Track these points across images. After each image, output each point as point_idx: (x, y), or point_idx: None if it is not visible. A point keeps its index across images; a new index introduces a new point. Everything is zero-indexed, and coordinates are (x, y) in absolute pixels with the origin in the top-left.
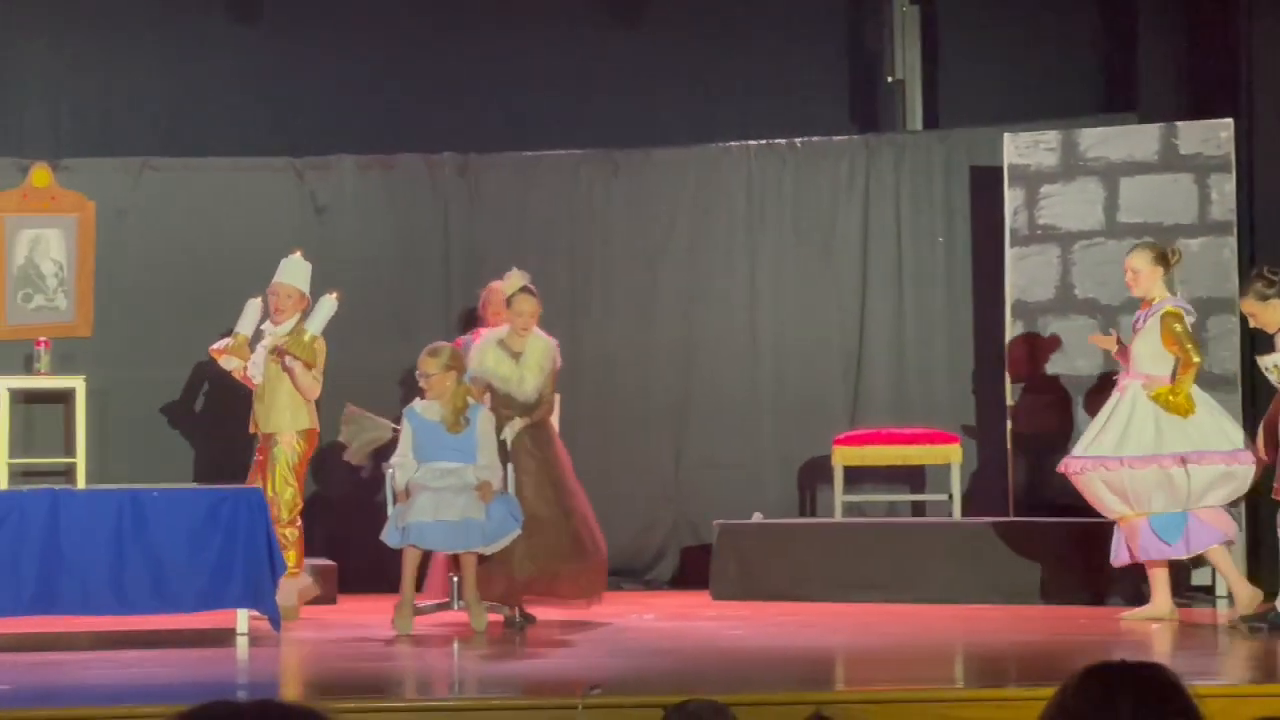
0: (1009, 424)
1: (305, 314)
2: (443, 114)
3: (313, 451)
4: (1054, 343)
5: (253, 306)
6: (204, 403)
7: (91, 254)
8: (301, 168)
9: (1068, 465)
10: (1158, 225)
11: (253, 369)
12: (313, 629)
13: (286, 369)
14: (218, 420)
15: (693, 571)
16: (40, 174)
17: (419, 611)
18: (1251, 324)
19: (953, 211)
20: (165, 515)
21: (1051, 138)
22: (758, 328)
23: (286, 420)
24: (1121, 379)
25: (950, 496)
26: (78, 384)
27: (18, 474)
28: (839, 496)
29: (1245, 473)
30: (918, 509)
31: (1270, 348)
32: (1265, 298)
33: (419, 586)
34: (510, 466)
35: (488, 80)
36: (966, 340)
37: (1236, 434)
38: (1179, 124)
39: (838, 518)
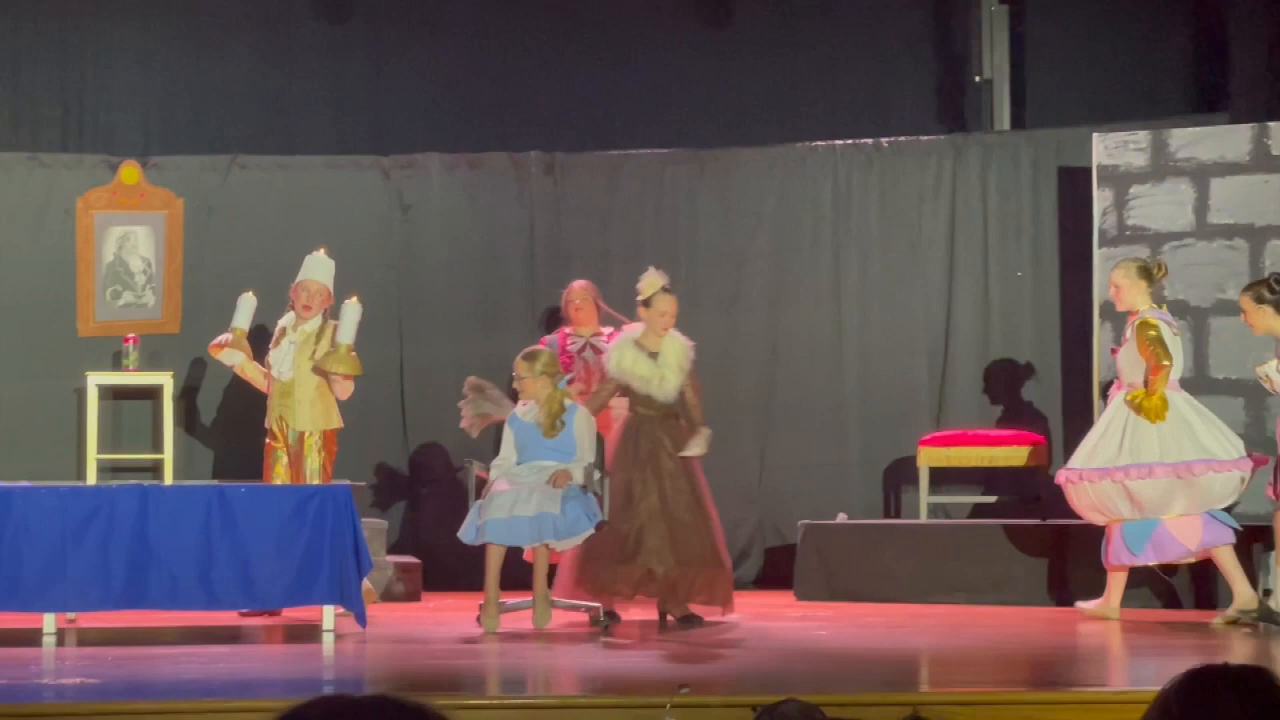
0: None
1: (329, 312)
2: (529, 112)
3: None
4: None
5: (247, 301)
6: None
7: (180, 251)
8: (388, 166)
9: (1068, 476)
10: (1248, 226)
11: (278, 364)
12: (398, 626)
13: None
14: None
15: (777, 572)
16: (129, 171)
17: (506, 609)
18: (1241, 319)
19: (1040, 212)
20: (253, 511)
21: (1141, 138)
22: (843, 328)
23: (320, 418)
24: (1113, 390)
25: (1037, 498)
26: (165, 380)
27: (106, 470)
28: (924, 498)
29: (1245, 479)
30: (1002, 510)
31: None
32: (1262, 301)
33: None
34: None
35: (575, 79)
36: (1054, 341)
37: (1211, 442)
38: (1270, 124)
39: (923, 519)
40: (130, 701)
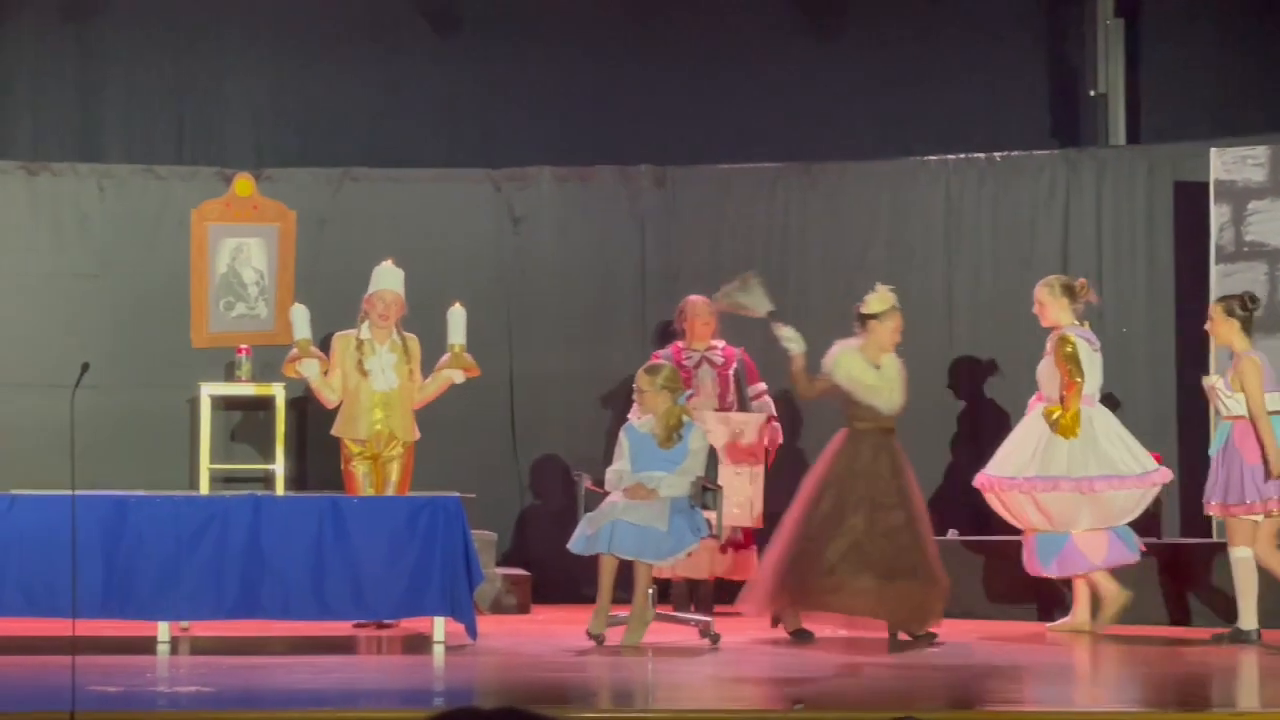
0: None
1: (400, 323)
2: (640, 126)
3: None
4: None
5: (301, 311)
6: None
7: (292, 263)
8: (499, 179)
9: (982, 482)
10: None
11: (378, 375)
12: (507, 638)
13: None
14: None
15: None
16: (243, 184)
17: (615, 622)
18: (1206, 325)
19: (1155, 228)
20: (365, 523)
21: (1260, 153)
22: (954, 343)
23: (411, 429)
24: (1033, 400)
25: (1153, 516)
26: (277, 391)
27: (219, 480)
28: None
29: (1153, 494)
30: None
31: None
32: (1232, 314)
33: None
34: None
35: (685, 92)
36: (1169, 358)
37: (1119, 459)
38: None
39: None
40: (244, 710)
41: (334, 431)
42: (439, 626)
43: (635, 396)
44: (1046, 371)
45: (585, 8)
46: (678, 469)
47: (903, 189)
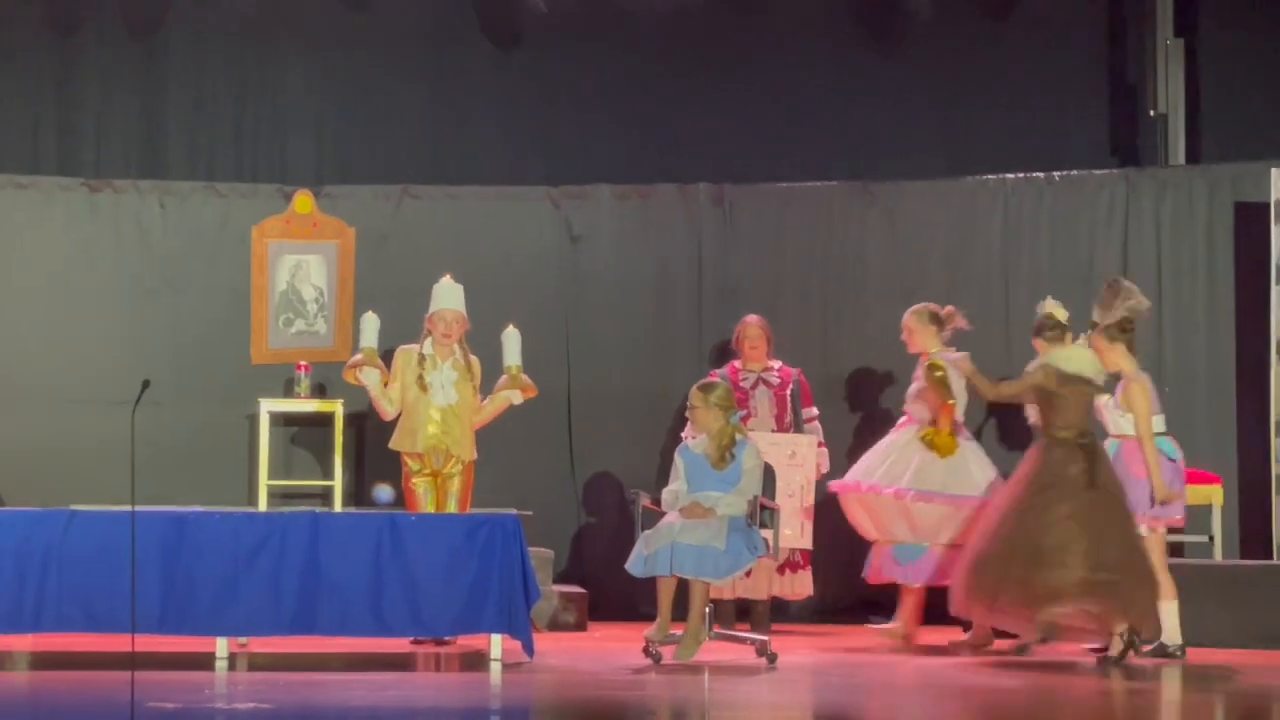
0: (1274, 465)
1: (462, 339)
2: (699, 144)
3: None
4: None
5: (371, 320)
6: None
7: (351, 279)
8: (558, 196)
9: (846, 485)
10: None
11: (437, 390)
12: (564, 656)
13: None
14: None
15: (933, 607)
16: (303, 200)
17: (672, 639)
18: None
19: (1215, 248)
20: (423, 540)
21: None
22: (1014, 361)
23: (470, 448)
24: (902, 422)
25: (1210, 538)
26: (336, 408)
27: (277, 496)
28: None
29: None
30: (1176, 549)
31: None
32: (1114, 339)
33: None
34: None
35: (745, 111)
36: (1228, 379)
37: (983, 481)
38: None
39: None
40: None
41: (391, 444)
42: (496, 644)
43: (688, 414)
44: (916, 395)
45: (645, 27)
46: (734, 488)
47: (962, 208)
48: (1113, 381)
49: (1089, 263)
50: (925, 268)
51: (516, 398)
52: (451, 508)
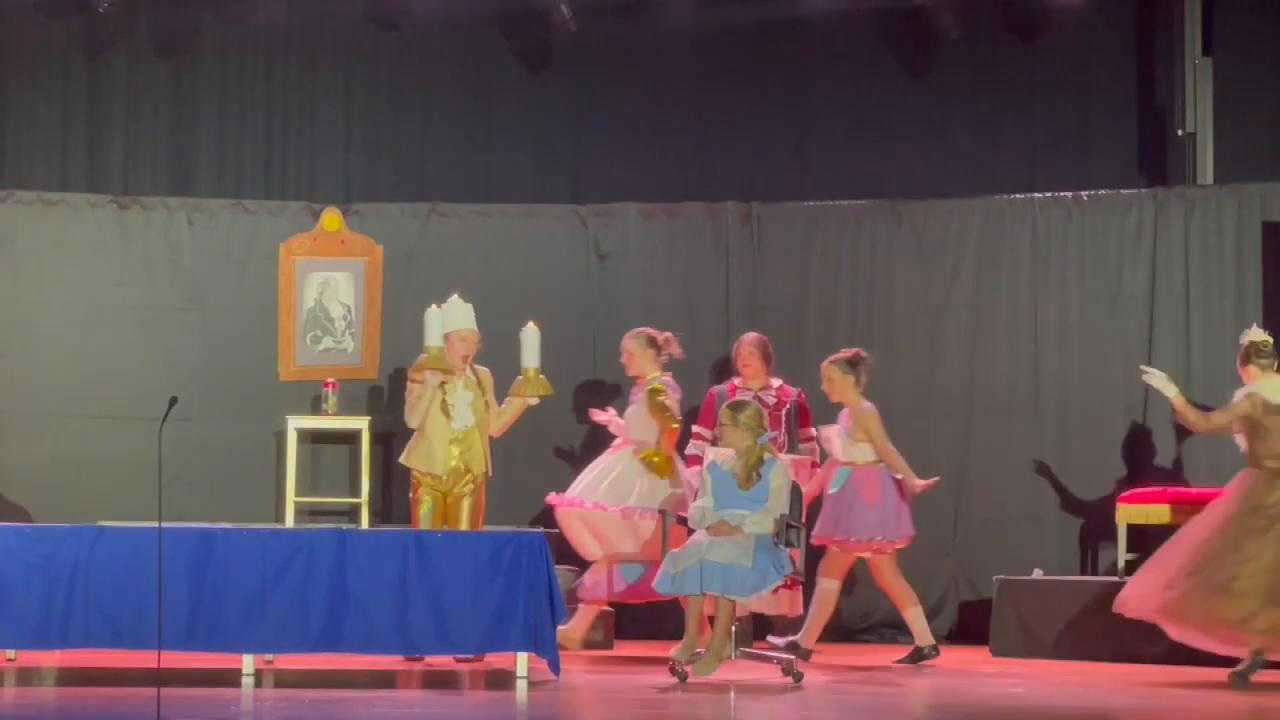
0: None
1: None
2: (726, 162)
3: None
4: None
5: (435, 315)
6: None
7: (379, 297)
8: (586, 215)
9: (570, 500)
10: None
11: (456, 415)
12: (591, 674)
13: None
14: None
15: (971, 626)
16: (331, 218)
17: (695, 659)
18: (823, 386)
19: (1243, 267)
20: (449, 557)
21: None
22: (1040, 381)
23: (484, 462)
24: (617, 443)
25: None
26: (363, 425)
27: (304, 513)
28: (1122, 555)
29: None
30: None
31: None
32: (847, 373)
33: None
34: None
35: (772, 130)
36: None
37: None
38: None
39: (1121, 577)
40: None
41: (404, 460)
42: (522, 662)
43: (717, 432)
44: (639, 418)
45: (673, 46)
46: (761, 507)
47: (990, 227)
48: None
49: (1117, 282)
50: (952, 287)
51: (533, 400)
52: (464, 526)
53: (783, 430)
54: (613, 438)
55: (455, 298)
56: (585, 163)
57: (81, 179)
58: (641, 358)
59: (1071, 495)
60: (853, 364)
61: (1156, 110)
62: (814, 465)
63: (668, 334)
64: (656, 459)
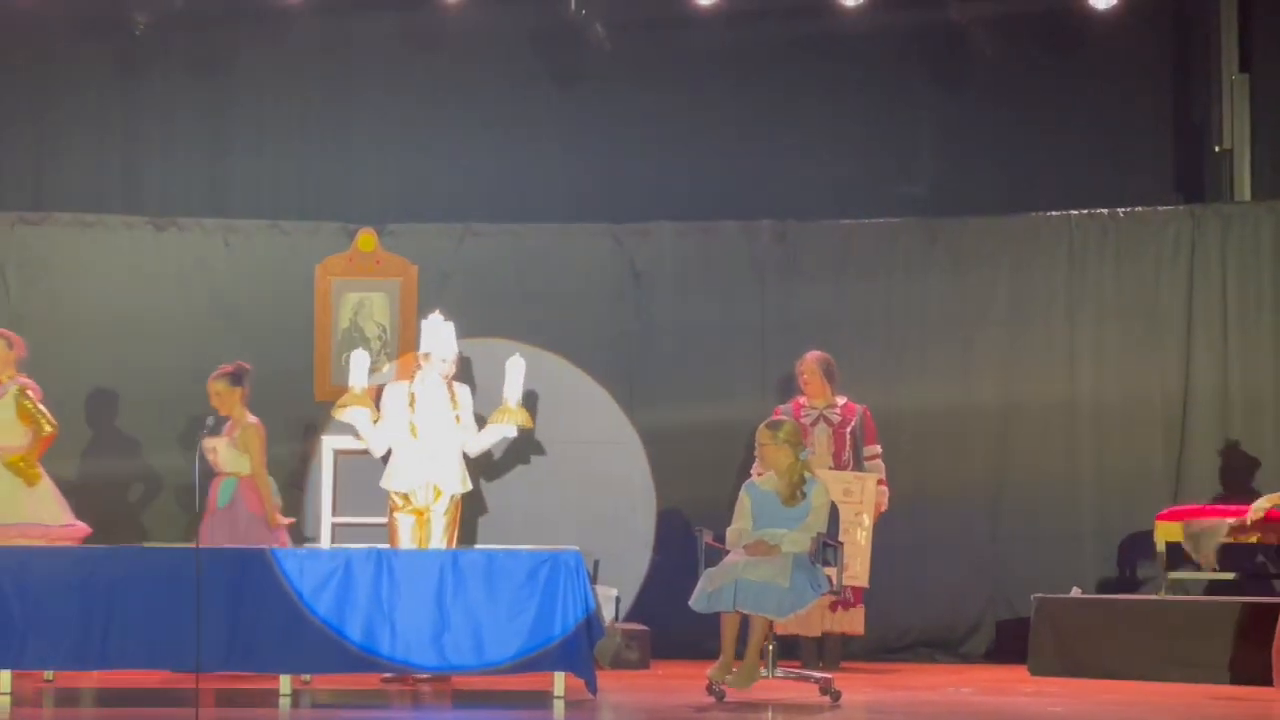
0: None
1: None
2: (761, 181)
3: None
4: None
5: (360, 359)
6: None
7: (414, 317)
8: (621, 234)
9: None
10: None
11: (427, 432)
12: (627, 693)
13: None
14: None
15: (1008, 645)
16: (366, 239)
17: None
18: (212, 401)
19: None
20: (486, 576)
21: None
22: (1077, 399)
23: (458, 482)
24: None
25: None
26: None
27: (341, 532)
28: (1162, 574)
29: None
30: (1244, 588)
31: None
32: (233, 386)
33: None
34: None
35: (806, 148)
36: None
37: (66, 513)
38: None
39: (1161, 595)
40: None
41: (382, 483)
42: (559, 681)
43: (756, 451)
44: (5, 421)
45: (708, 64)
46: (800, 525)
47: (1025, 245)
48: None
49: (1154, 299)
50: (988, 304)
51: (511, 431)
52: (438, 545)
53: (848, 447)
54: None
55: (437, 314)
56: (620, 182)
57: (118, 200)
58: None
59: (1109, 513)
60: (237, 377)
61: (1193, 127)
62: (881, 482)
63: (18, 337)
64: (24, 465)
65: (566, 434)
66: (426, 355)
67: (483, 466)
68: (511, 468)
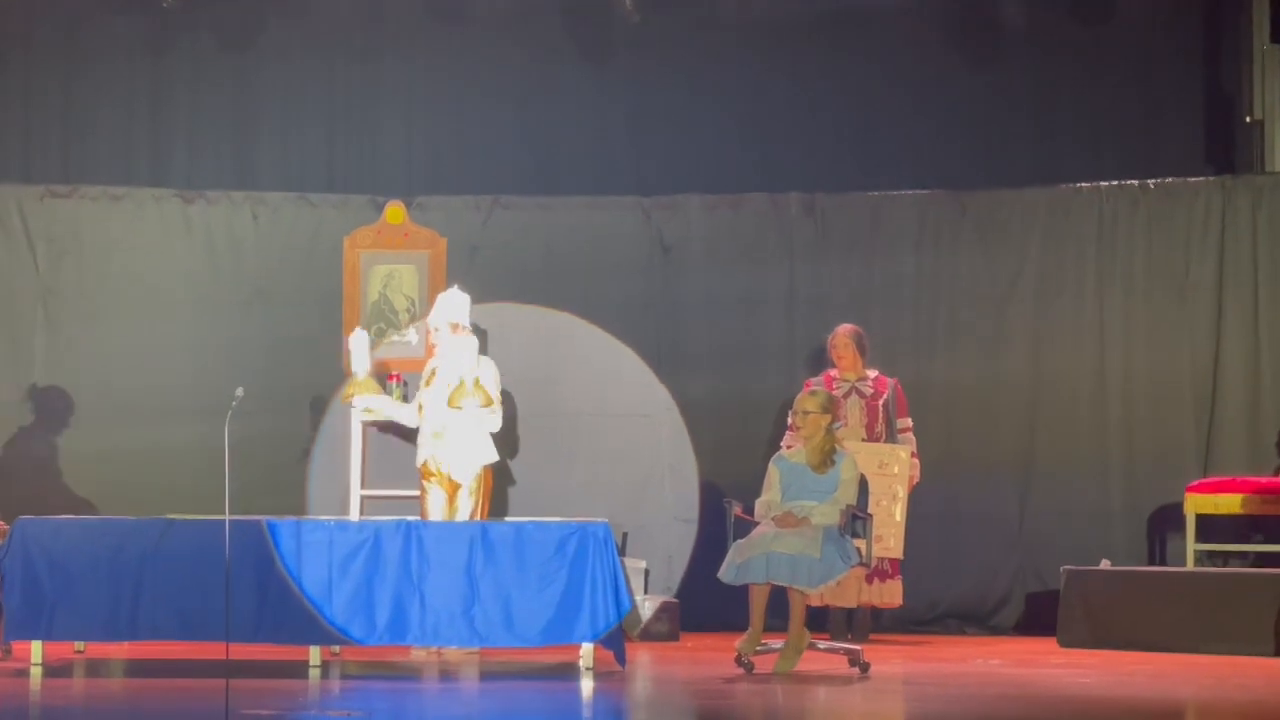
0: None
1: None
2: (790, 153)
3: None
4: None
5: (360, 339)
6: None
7: (443, 289)
8: (649, 207)
9: None
10: None
11: (433, 409)
12: (656, 665)
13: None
14: None
15: (1038, 617)
16: (394, 211)
17: (765, 650)
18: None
19: None
20: (514, 549)
21: None
22: (1107, 371)
23: (476, 457)
24: None
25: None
26: None
27: (370, 504)
28: (1191, 545)
29: None
30: (1273, 560)
31: None
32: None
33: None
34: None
35: (835, 120)
36: None
37: None
38: None
39: (1189, 567)
40: None
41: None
42: (588, 653)
43: (794, 420)
44: None
45: (736, 36)
46: (830, 498)
47: (1055, 216)
48: None
49: (1184, 271)
50: (1017, 276)
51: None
52: (463, 517)
53: (880, 420)
54: None
55: (456, 289)
56: (648, 154)
57: (145, 173)
58: None
59: (1139, 485)
60: None
61: (1224, 97)
62: (914, 454)
63: None
64: None
65: (596, 406)
66: (435, 330)
67: (509, 439)
68: (540, 440)
